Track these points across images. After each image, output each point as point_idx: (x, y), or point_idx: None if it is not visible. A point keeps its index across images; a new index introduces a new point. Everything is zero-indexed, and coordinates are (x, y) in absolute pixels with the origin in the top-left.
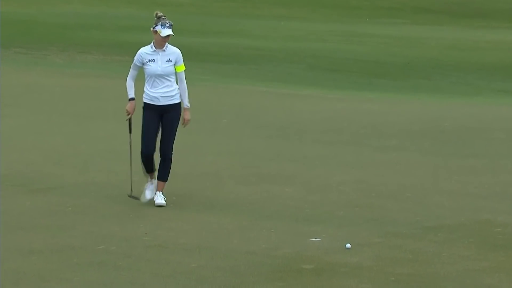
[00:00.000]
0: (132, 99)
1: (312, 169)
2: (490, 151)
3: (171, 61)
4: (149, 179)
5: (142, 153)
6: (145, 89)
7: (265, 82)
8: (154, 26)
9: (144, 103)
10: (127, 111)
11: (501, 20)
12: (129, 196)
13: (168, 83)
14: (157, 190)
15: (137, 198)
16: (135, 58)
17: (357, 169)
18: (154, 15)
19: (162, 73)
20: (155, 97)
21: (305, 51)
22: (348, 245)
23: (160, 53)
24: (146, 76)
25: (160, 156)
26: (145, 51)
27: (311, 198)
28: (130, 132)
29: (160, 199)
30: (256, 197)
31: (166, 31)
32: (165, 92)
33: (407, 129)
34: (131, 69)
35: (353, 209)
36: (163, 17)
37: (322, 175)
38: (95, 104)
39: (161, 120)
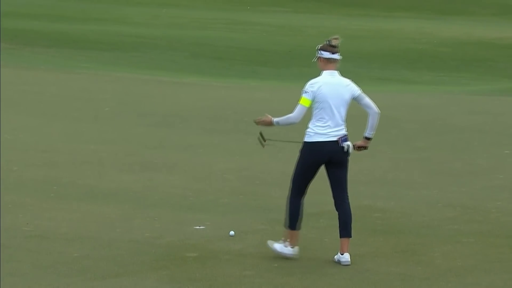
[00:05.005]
0: None
1: (196, 157)
2: None
3: None
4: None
5: None
6: None
7: (147, 70)
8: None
9: None
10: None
11: (379, 9)
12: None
13: None
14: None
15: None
16: None
17: (241, 157)
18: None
19: None
20: None
21: (187, 38)
22: (232, 233)
23: None
24: None
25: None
26: None
27: (195, 186)
28: None
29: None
30: (140, 185)
31: None
32: None
33: None
34: None
35: (238, 197)
36: None
37: (206, 163)
38: None
39: None
